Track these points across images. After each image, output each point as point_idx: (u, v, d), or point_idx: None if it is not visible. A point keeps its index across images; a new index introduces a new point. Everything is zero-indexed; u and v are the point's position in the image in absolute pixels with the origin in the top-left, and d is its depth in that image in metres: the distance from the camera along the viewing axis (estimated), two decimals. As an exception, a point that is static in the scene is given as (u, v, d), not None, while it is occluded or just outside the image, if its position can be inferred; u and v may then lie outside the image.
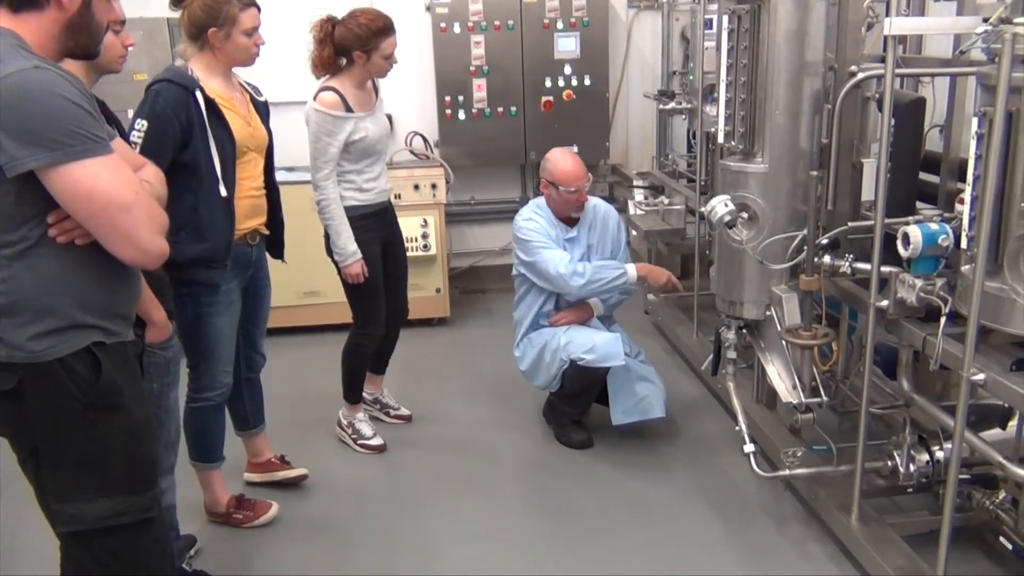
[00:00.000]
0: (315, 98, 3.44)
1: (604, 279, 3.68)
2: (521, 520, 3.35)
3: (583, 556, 3.11)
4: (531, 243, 3.75)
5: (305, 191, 3.70)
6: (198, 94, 2.76)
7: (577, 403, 3.88)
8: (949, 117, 3.13)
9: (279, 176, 3.30)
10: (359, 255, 3.52)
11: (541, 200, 3.88)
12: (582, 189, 3.73)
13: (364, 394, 4.03)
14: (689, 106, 4.79)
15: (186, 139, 2.72)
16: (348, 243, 3.50)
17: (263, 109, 3.18)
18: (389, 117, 5.58)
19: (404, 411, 4.18)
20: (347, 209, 3.52)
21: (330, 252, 3.57)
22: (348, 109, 3.44)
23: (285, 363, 4.41)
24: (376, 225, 3.64)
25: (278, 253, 3.33)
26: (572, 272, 3.67)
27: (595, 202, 3.94)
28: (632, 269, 3.72)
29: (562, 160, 3.74)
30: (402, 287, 3.91)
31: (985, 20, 2.22)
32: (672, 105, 4.94)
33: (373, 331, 3.76)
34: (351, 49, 3.40)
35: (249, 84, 3.18)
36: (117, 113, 2.38)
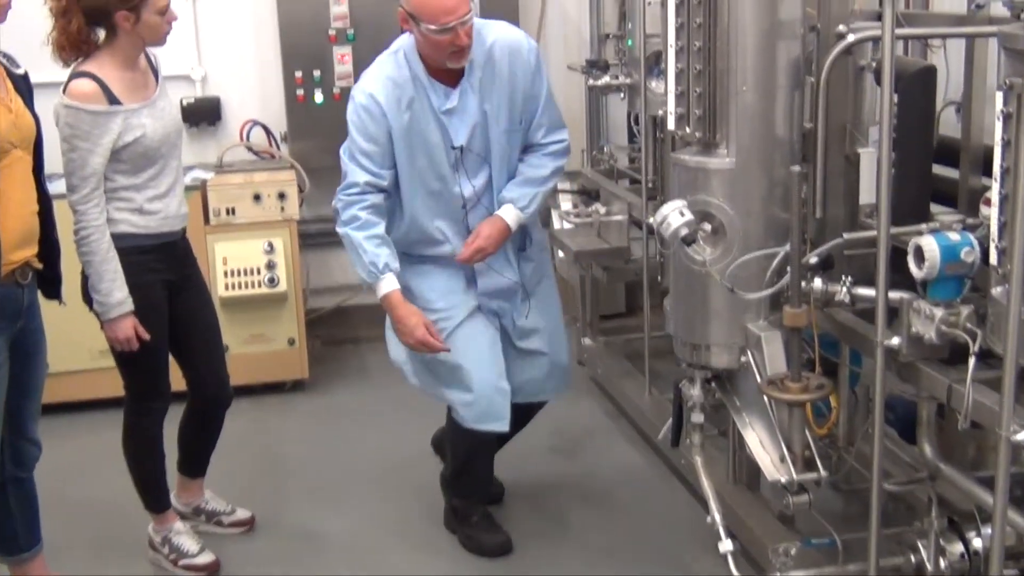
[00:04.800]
0: (65, 90, 3.35)
1: (353, 258, 3.56)
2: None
3: None
4: (349, 133, 3.57)
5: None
6: None
7: (473, 482, 3.88)
8: (967, 91, 3.21)
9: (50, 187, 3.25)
10: (128, 307, 3.40)
11: (409, 44, 3.52)
12: (456, 27, 3.33)
13: (180, 505, 3.98)
14: (628, 81, 4.84)
15: None
16: (114, 289, 3.38)
17: (23, 85, 3.11)
18: (216, 101, 5.59)
19: (242, 514, 4.11)
20: (117, 239, 3.41)
21: (89, 300, 3.44)
22: (113, 100, 3.36)
23: (70, 454, 4.33)
24: (159, 263, 3.56)
25: (53, 291, 3.26)
26: (337, 210, 3.56)
27: (491, 42, 3.58)
28: (385, 286, 3.51)
29: None
30: (213, 352, 3.85)
31: (1008, -37, 2.28)
32: (606, 80, 4.98)
33: (155, 404, 3.70)
34: (110, 11, 3.30)
35: (1, 52, 3.11)
36: None
